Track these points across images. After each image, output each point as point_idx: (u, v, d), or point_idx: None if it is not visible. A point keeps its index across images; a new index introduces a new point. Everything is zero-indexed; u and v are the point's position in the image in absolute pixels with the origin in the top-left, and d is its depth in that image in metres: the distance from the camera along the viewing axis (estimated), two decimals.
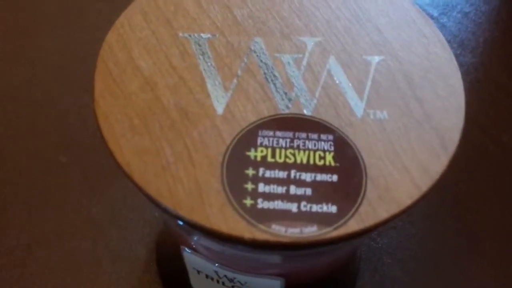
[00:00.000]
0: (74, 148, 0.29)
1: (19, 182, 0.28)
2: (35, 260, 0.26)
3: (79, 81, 0.31)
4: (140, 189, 0.15)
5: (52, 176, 0.28)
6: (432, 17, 0.35)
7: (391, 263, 0.27)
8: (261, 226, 0.14)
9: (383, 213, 0.14)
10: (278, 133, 0.15)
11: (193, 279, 0.21)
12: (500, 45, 0.35)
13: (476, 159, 0.30)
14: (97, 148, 0.29)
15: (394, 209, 0.14)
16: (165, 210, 0.15)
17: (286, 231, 0.14)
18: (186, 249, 0.19)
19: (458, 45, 0.34)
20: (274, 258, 0.18)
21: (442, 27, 0.34)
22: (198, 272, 0.20)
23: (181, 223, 0.15)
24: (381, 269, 0.27)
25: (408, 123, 0.16)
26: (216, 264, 0.18)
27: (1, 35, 0.33)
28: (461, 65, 0.33)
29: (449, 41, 0.34)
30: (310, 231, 0.14)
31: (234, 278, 0.19)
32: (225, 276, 0.19)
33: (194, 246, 0.19)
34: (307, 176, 0.15)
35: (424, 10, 0.35)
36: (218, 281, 0.19)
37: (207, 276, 0.19)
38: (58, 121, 0.30)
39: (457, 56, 0.34)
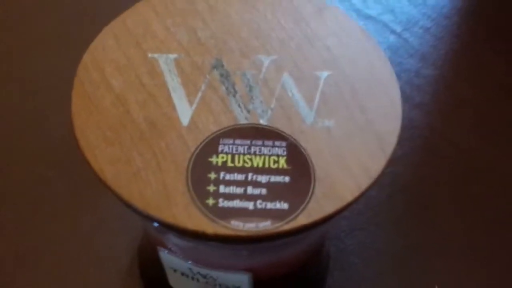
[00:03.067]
0: (60, 163, 0.31)
1: (7, 195, 0.30)
2: (24, 269, 0.28)
3: (64, 100, 0.33)
4: (113, 193, 0.17)
5: (40, 190, 0.30)
6: (395, 32, 0.37)
7: (358, 262, 0.29)
8: (222, 222, 0.16)
9: (329, 209, 0.16)
10: (237, 141, 0.17)
11: (171, 278, 0.22)
12: (459, 58, 0.37)
13: (436, 163, 0.33)
14: (82, 163, 0.31)
15: (338, 204, 0.16)
16: (136, 211, 0.16)
17: (244, 226, 0.16)
18: (163, 249, 0.21)
19: (420, 59, 0.36)
20: (240, 255, 0.20)
21: (405, 41, 0.37)
22: (175, 270, 0.21)
23: (155, 224, 0.17)
24: (349, 268, 0.29)
25: (352, 129, 0.18)
26: (189, 262, 0.20)
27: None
28: (423, 77, 0.36)
29: (411, 55, 0.36)
30: (265, 226, 0.16)
31: (207, 274, 0.20)
32: (199, 272, 0.21)
33: (169, 246, 0.20)
34: (263, 178, 0.17)
35: (388, 26, 0.38)
36: (193, 278, 0.21)
37: (182, 274, 0.21)
38: (45, 138, 0.32)
39: (419, 69, 0.36)
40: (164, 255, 0.21)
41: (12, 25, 0.37)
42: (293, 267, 0.23)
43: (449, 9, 0.39)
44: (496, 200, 0.31)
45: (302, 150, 0.17)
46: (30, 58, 0.35)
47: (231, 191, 0.17)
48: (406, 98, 0.35)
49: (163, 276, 0.23)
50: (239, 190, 0.17)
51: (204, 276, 0.21)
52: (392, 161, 0.32)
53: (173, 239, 0.20)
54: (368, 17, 0.38)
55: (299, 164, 0.17)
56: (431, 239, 0.30)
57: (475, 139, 0.33)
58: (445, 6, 0.39)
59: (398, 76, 0.35)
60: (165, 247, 0.20)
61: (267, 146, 0.17)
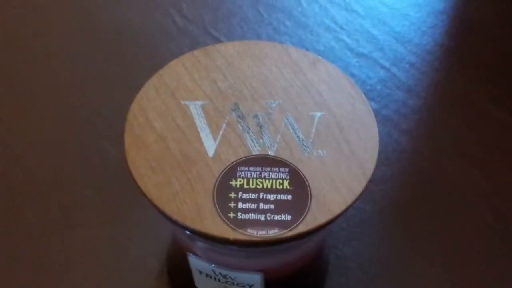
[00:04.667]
0: (97, 184, 0.36)
1: (54, 211, 0.35)
2: (67, 275, 0.32)
3: (100, 132, 0.38)
4: (158, 210, 0.22)
5: (80, 206, 0.35)
6: (384, 67, 0.42)
7: (354, 267, 0.33)
8: (240, 231, 0.21)
9: (322, 220, 0.22)
10: (251, 168, 0.23)
11: (197, 279, 0.27)
12: (441, 89, 0.42)
13: (422, 183, 0.37)
14: (117, 184, 0.36)
15: (329, 216, 0.22)
16: (175, 223, 0.22)
17: (257, 233, 0.21)
18: (191, 255, 0.26)
19: (406, 90, 0.41)
20: (253, 258, 0.25)
21: (393, 75, 0.42)
22: (200, 272, 0.26)
23: (187, 232, 0.22)
24: (346, 272, 0.33)
25: (340, 158, 0.23)
26: (213, 265, 0.25)
27: (43, 92, 0.41)
28: (409, 106, 0.40)
29: (399, 87, 0.41)
30: (273, 233, 0.21)
31: (226, 274, 0.25)
32: (220, 273, 0.26)
33: (196, 252, 0.26)
34: (271, 197, 0.22)
35: (378, 62, 0.43)
36: (215, 278, 0.26)
37: (207, 275, 0.26)
38: (86, 164, 0.37)
39: (405, 99, 0.41)
40: (192, 259, 0.26)
41: (70, 64, 0.42)
42: (297, 269, 0.28)
43: (432, 46, 0.44)
44: (472, 212, 0.36)
45: (301, 174, 0.23)
46: (76, 94, 0.40)
47: (247, 207, 0.22)
48: (394, 125, 0.39)
49: (189, 279, 0.28)
50: (253, 206, 0.22)
51: (224, 276, 0.26)
52: (383, 180, 0.37)
53: (200, 246, 0.25)
54: (360, 55, 0.43)
55: (299, 185, 0.22)
56: (417, 247, 0.34)
57: (455, 160, 0.38)
58: (428, 43, 0.44)
59: (387, 106, 0.40)
60: (194, 253, 0.26)
61: (274, 172, 0.23)
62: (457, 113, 0.40)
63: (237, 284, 0.26)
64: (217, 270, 0.25)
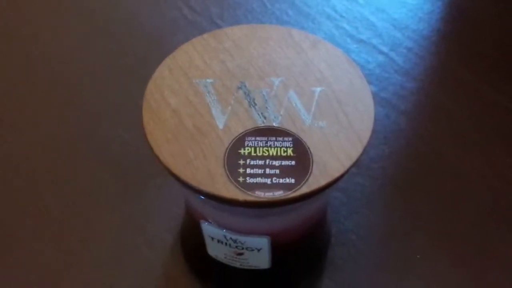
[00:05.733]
0: (114, 167, 0.39)
1: (74, 193, 0.37)
2: (89, 251, 0.35)
3: (115, 120, 0.41)
4: (174, 176, 0.24)
5: (98, 188, 0.38)
6: (383, 52, 0.44)
7: (355, 239, 0.36)
8: (249, 193, 0.24)
9: (322, 182, 0.24)
10: (258, 138, 0.25)
11: (210, 246, 0.30)
12: (437, 72, 0.44)
13: (419, 161, 0.39)
14: (132, 167, 0.38)
15: (328, 179, 0.24)
16: (190, 187, 0.24)
17: (264, 195, 0.23)
18: (204, 222, 0.28)
19: (404, 74, 0.43)
20: (261, 222, 0.27)
21: (391, 60, 0.44)
22: (212, 239, 0.29)
23: (201, 197, 0.25)
24: (347, 243, 0.35)
25: (338, 128, 0.25)
26: (224, 230, 0.28)
27: (61, 85, 0.43)
28: (407, 89, 0.43)
29: (396, 71, 0.43)
30: (279, 194, 0.23)
31: (237, 239, 0.28)
32: (231, 238, 0.28)
33: (208, 219, 0.28)
34: (276, 163, 0.24)
35: (377, 47, 0.45)
36: (226, 244, 0.28)
37: (218, 241, 0.29)
38: (102, 148, 0.39)
39: (403, 82, 0.43)
40: (205, 226, 0.28)
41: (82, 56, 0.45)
42: (301, 235, 0.30)
43: (428, 32, 0.46)
44: (466, 189, 0.38)
45: (304, 143, 0.25)
46: (91, 85, 0.43)
47: (254, 172, 0.24)
48: (392, 107, 0.42)
49: (202, 247, 0.30)
50: (260, 171, 0.24)
51: (235, 241, 0.28)
52: (382, 158, 0.40)
53: (212, 212, 0.27)
54: (360, 41, 0.45)
55: (301, 152, 0.25)
56: (413, 220, 0.36)
57: (449, 139, 0.40)
58: (425, 29, 0.46)
59: (386, 89, 0.42)
60: (206, 219, 0.28)
61: (278, 140, 0.25)
62: (453, 95, 0.42)
63: (247, 248, 0.28)
64: (228, 235, 0.28)
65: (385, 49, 0.44)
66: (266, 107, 0.26)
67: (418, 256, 0.35)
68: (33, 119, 0.41)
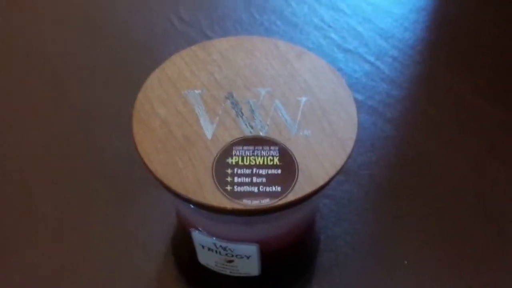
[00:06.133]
0: (107, 175, 0.39)
1: (68, 202, 0.38)
2: (86, 256, 0.35)
3: (108, 128, 0.41)
4: (163, 185, 0.25)
5: (92, 197, 0.38)
6: (369, 61, 0.45)
7: (343, 245, 0.36)
8: (237, 201, 0.24)
9: (308, 190, 0.24)
10: (245, 147, 0.26)
11: (200, 254, 0.30)
12: (422, 80, 0.45)
13: (405, 167, 0.40)
14: (126, 176, 0.39)
15: (314, 187, 0.24)
16: (179, 196, 0.25)
17: (251, 203, 0.24)
18: (194, 230, 0.29)
19: (390, 82, 0.44)
20: (249, 230, 0.28)
21: (377, 69, 0.45)
22: (203, 246, 0.29)
23: (191, 206, 0.25)
24: (336, 249, 0.36)
25: (323, 137, 0.26)
26: (214, 238, 0.28)
27: (54, 95, 0.44)
28: (392, 97, 0.43)
29: (382, 79, 0.44)
30: (266, 202, 0.24)
31: (226, 246, 0.28)
32: (220, 246, 0.28)
33: (198, 228, 0.28)
34: (263, 171, 0.25)
35: (363, 57, 0.46)
36: (216, 251, 0.29)
37: (209, 249, 0.29)
38: (95, 159, 0.40)
39: (389, 90, 0.44)
40: (195, 235, 0.29)
41: (70, 61, 0.45)
42: (290, 242, 0.30)
43: (413, 41, 0.47)
44: (452, 194, 0.39)
45: (289, 152, 0.26)
46: (84, 95, 0.43)
47: (242, 180, 0.25)
48: (379, 114, 0.42)
49: (193, 255, 0.31)
50: (247, 180, 0.25)
51: (224, 249, 0.29)
52: (369, 165, 0.40)
53: (202, 220, 0.28)
54: (347, 50, 0.46)
55: (287, 161, 0.25)
56: (402, 226, 0.37)
57: (435, 145, 0.41)
58: (410, 38, 0.47)
59: (372, 97, 0.43)
60: (196, 228, 0.28)
61: (265, 150, 0.26)
62: (438, 102, 0.43)
63: (236, 255, 0.29)
64: (218, 243, 0.28)
65: (371, 58, 0.45)
66: (253, 117, 0.27)
67: (405, 262, 0.36)
68: (26, 128, 0.42)
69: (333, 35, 0.47)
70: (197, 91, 0.27)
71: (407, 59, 0.45)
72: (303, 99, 0.27)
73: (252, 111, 0.27)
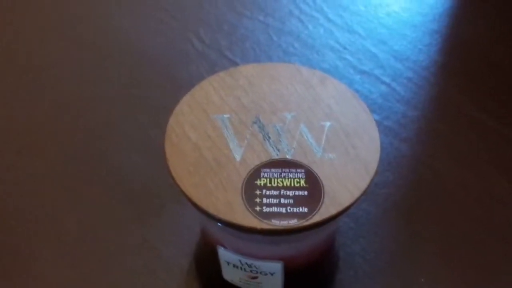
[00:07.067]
0: (128, 192, 0.40)
1: (91, 218, 0.39)
2: (105, 271, 0.37)
3: (130, 146, 0.43)
4: (195, 206, 0.26)
5: (114, 212, 0.39)
6: (385, 83, 0.46)
7: (362, 262, 0.37)
8: (266, 221, 0.25)
9: (333, 211, 0.26)
10: (273, 170, 0.27)
11: (225, 270, 0.31)
12: (436, 101, 0.46)
13: (421, 186, 0.41)
14: (148, 191, 0.40)
15: (339, 208, 0.26)
16: (210, 216, 0.26)
17: (279, 223, 0.25)
18: (220, 247, 0.30)
19: (405, 103, 0.45)
20: (275, 249, 0.29)
21: (393, 90, 0.46)
22: (228, 263, 0.31)
23: (219, 224, 0.26)
24: (354, 266, 0.37)
25: (347, 160, 0.27)
26: (240, 255, 0.29)
27: (78, 111, 0.45)
28: (408, 117, 0.45)
29: (398, 100, 0.45)
30: (293, 222, 0.25)
31: (252, 264, 0.30)
32: (246, 263, 0.30)
33: (225, 245, 0.30)
34: (290, 193, 0.26)
35: (379, 78, 0.47)
36: (241, 268, 0.30)
37: (234, 266, 0.30)
38: (112, 176, 0.41)
39: (405, 111, 0.45)
40: (221, 252, 0.30)
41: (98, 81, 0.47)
42: (312, 260, 0.31)
43: (427, 63, 0.48)
44: (466, 211, 0.40)
45: (315, 174, 0.27)
46: (105, 114, 0.45)
47: (270, 202, 0.26)
48: (395, 135, 0.44)
49: (217, 271, 0.32)
50: (275, 201, 0.26)
51: (250, 266, 0.30)
52: (386, 184, 0.41)
53: (229, 238, 0.29)
54: (363, 72, 0.47)
55: (313, 183, 0.27)
56: (417, 244, 0.38)
57: (448, 163, 0.42)
58: (424, 60, 0.48)
59: (388, 117, 0.45)
60: (223, 245, 0.30)
61: (292, 172, 0.27)
62: (451, 122, 0.44)
63: (261, 272, 0.30)
64: (243, 260, 0.29)
65: (387, 79, 0.47)
66: (280, 140, 0.28)
67: (422, 280, 0.37)
68: (47, 145, 0.43)
69: (349, 57, 0.48)
70: (225, 116, 0.29)
71: (421, 80, 0.47)
72: (327, 123, 0.28)
73: (279, 135, 0.28)
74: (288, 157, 0.27)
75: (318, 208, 0.26)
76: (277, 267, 0.30)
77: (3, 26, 0.51)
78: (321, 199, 0.26)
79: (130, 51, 0.49)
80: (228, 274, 0.32)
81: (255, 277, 0.31)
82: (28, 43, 0.50)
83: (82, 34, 0.51)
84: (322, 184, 0.26)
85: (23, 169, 0.41)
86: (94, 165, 0.42)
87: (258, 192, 0.26)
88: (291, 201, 0.26)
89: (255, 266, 0.30)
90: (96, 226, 0.39)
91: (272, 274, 0.30)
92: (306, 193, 0.26)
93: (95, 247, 0.38)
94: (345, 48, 0.49)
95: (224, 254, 0.30)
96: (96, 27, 0.51)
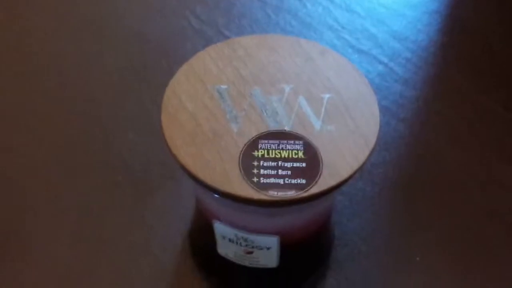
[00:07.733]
0: (127, 171, 0.40)
1: (89, 195, 0.39)
2: (104, 251, 0.36)
3: (126, 125, 0.42)
4: (192, 176, 0.26)
5: (111, 191, 0.39)
6: (383, 63, 0.46)
7: (357, 240, 0.37)
8: (263, 192, 0.25)
9: (331, 182, 0.25)
10: (270, 141, 0.26)
11: (220, 245, 0.31)
12: (434, 81, 0.46)
13: (418, 166, 0.41)
14: (144, 170, 0.40)
15: (337, 180, 0.25)
16: (207, 186, 0.25)
17: (277, 194, 0.25)
18: (216, 221, 0.29)
19: (403, 83, 0.45)
20: (270, 222, 0.29)
21: (391, 70, 0.46)
22: (224, 237, 0.30)
23: (216, 196, 0.26)
24: (349, 244, 0.37)
25: (346, 132, 0.27)
26: (235, 229, 0.29)
27: (74, 92, 0.45)
28: (405, 97, 0.44)
29: (396, 80, 0.45)
30: (291, 194, 0.25)
31: (247, 238, 0.29)
32: (242, 237, 0.29)
33: (221, 219, 0.29)
34: (288, 164, 0.26)
35: (377, 58, 0.47)
36: (237, 243, 0.30)
37: (229, 240, 0.30)
38: (115, 153, 0.41)
39: (402, 91, 0.45)
40: (217, 226, 0.30)
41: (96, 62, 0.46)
42: (307, 235, 0.31)
43: (427, 43, 0.48)
44: (463, 192, 0.39)
45: (314, 146, 0.26)
46: (103, 93, 0.44)
47: (268, 173, 0.26)
48: (393, 114, 0.43)
49: (212, 246, 0.32)
50: (273, 172, 0.26)
51: (245, 240, 0.29)
52: (383, 164, 0.41)
53: (225, 211, 0.29)
54: (361, 51, 0.47)
55: (311, 155, 0.26)
56: (413, 222, 0.38)
57: (447, 145, 0.41)
58: (423, 40, 0.48)
59: (386, 97, 0.44)
60: (219, 219, 0.29)
61: (290, 144, 0.26)
62: (449, 103, 0.44)
63: (256, 247, 0.30)
64: (240, 234, 0.29)
65: (385, 59, 0.46)
66: (278, 112, 0.27)
67: (417, 258, 0.36)
68: (47, 126, 0.42)
69: (347, 36, 0.48)
70: (223, 86, 0.28)
71: (420, 61, 0.46)
72: (326, 95, 0.28)
73: (277, 106, 0.28)
74: (286, 128, 0.27)
75: (316, 179, 0.25)
76: (273, 241, 0.29)
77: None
78: (320, 171, 0.26)
79: (127, 29, 0.48)
80: (224, 248, 0.31)
81: (251, 252, 0.30)
82: (26, 27, 0.49)
83: (78, 14, 0.50)
84: (321, 156, 0.26)
85: (23, 150, 0.41)
86: (92, 144, 0.41)
87: (255, 163, 0.26)
88: (289, 172, 0.26)
89: (251, 240, 0.29)
90: (92, 205, 0.38)
91: (268, 249, 0.30)
92: (304, 164, 0.26)
93: (93, 225, 0.37)
94: (343, 27, 0.48)
95: (220, 228, 0.30)
96: (93, 5, 0.50)
